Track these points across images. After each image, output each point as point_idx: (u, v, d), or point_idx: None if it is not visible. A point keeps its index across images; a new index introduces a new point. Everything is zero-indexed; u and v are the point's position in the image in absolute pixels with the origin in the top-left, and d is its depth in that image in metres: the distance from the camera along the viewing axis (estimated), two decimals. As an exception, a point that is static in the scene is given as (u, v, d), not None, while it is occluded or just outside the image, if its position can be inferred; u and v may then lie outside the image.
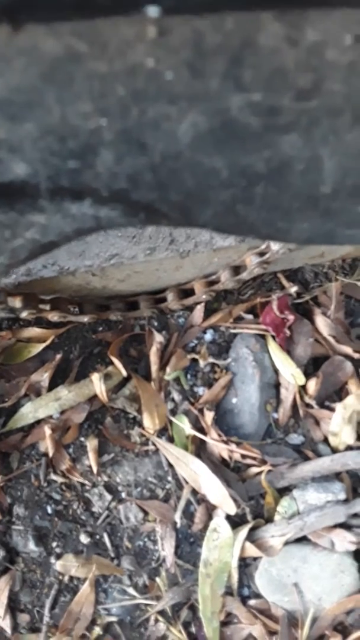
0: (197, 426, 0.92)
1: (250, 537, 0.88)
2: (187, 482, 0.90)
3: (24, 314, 0.83)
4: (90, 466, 0.90)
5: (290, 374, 0.94)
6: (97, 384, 0.90)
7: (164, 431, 0.92)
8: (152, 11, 0.20)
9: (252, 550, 0.87)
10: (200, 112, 0.27)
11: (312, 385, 0.94)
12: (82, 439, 0.91)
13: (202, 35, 0.24)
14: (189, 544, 0.90)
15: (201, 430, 0.91)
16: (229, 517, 0.88)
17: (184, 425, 0.91)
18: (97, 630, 0.86)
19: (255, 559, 0.89)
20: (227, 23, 0.23)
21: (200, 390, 0.94)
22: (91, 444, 0.90)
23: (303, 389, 0.95)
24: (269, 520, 0.90)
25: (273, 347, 0.95)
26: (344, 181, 0.33)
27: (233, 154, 0.30)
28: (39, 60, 0.23)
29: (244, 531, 0.87)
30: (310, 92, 0.28)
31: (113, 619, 0.87)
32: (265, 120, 0.28)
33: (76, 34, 0.22)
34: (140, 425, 0.92)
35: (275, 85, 0.27)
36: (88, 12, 0.20)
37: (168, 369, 0.92)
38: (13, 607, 0.87)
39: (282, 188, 0.33)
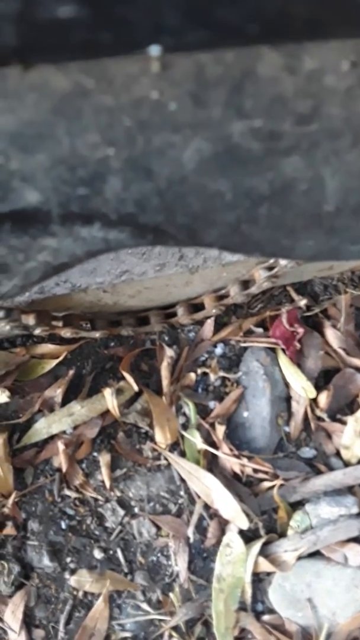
0: (209, 440, 0.92)
1: (264, 552, 0.87)
2: (199, 497, 0.90)
3: (37, 331, 0.84)
4: (103, 481, 0.91)
5: (301, 387, 0.94)
6: (109, 399, 0.91)
7: (176, 446, 0.92)
8: (154, 50, 0.21)
9: (265, 565, 0.87)
10: (203, 139, 0.28)
11: (323, 398, 0.94)
12: (95, 454, 0.92)
13: (204, 68, 0.25)
14: (202, 559, 0.90)
15: (213, 444, 0.92)
16: (241, 532, 0.88)
17: (196, 439, 0.91)
18: (112, 647, 0.86)
19: (268, 574, 0.89)
20: (227, 56, 0.24)
21: (212, 404, 0.95)
22: (104, 459, 0.91)
23: (314, 402, 0.95)
24: (282, 534, 0.90)
25: (283, 361, 0.95)
26: (347, 199, 0.34)
27: (237, 177, 0.31)
28: (49, 95, 0.24)
29: (257, 546, 0.87)
30: (310, 116, 0.29)
31: (127, 634, 0.87)
32: (266, 144, 0.29)
33: (84, 71, 0.23)
34: (152, 440, 0.92)
35: (275, 112, 0.28)
36: (94, 52, 0.21)
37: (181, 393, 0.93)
38: (28, 622, 0.87)
39: (285, 208, 0.34)
